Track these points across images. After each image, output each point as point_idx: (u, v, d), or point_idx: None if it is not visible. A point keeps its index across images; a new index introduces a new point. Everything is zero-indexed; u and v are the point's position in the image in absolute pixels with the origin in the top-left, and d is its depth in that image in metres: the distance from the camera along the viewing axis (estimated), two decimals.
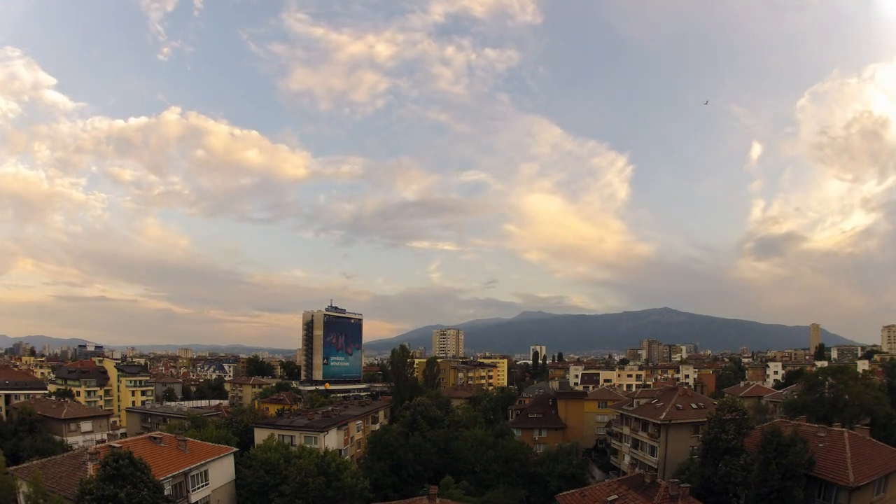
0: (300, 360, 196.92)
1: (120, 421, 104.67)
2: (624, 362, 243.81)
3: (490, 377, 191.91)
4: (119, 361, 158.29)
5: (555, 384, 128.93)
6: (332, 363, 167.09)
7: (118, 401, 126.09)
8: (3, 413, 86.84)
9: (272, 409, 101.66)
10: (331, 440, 62.84)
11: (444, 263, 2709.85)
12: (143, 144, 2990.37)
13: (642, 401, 69.45)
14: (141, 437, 50.51)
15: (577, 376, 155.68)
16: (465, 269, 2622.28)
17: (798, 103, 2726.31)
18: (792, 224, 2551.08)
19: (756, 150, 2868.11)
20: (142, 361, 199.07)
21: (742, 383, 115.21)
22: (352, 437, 70.60)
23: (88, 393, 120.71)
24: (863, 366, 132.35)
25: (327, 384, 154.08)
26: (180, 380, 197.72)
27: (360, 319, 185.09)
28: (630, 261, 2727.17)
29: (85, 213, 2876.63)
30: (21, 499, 37.09)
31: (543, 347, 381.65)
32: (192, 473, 43.34)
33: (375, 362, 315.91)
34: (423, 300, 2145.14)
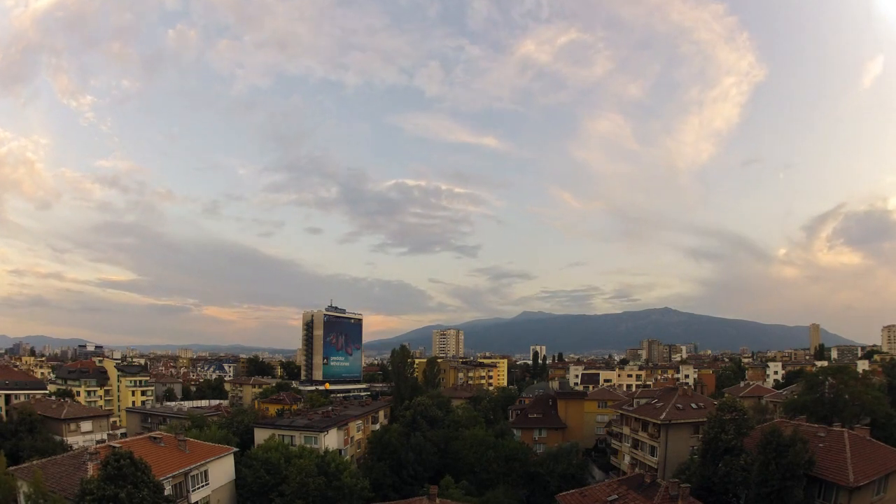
0: (300, 360, 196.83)
1: (120, 421, 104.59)
2: (624, 362, 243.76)
3: (490, 377, 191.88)
4: (119, 361, 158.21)
5: (555, 384, 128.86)
6: (332, 363, 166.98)
7: (118, 401, 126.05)
8: (3, 413, 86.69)
9: (272, 409, 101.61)
10: (331, 440, 62.85)
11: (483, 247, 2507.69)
12: None
13: (642, 401, 69.34)
14: (141, 437, 50.45)
15: (577, 376, 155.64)
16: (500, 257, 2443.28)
17: None
18: None
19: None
20: (142, 361, 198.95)
21: (742, 383, 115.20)
22: (352, 437, 70.59)
23: (88, 393, 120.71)
24: (863, 366, 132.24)
25: (327, 384, 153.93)
26: (180, 380, 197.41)
27: (360, 319, 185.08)
28: (716, 241, 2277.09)
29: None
30: (21, 499, 37.06)
31: (543, 347, 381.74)
32: (193, 473, 43.31)
33: (375, 362, 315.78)
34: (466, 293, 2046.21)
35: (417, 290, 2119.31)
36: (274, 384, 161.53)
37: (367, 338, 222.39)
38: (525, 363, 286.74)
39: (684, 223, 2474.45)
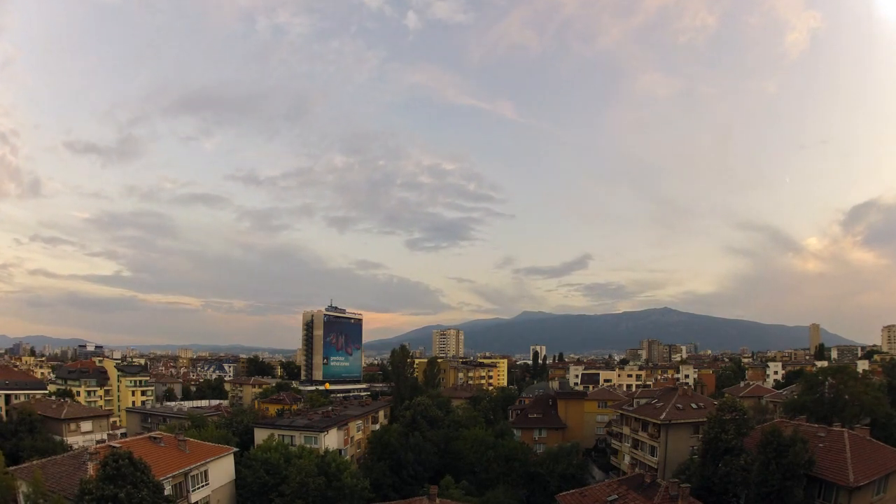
0: (300, 360, 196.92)
1: (120, 421, 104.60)
2: (624, 362, 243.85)
3: (490, 377, 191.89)
4: (119, 361, 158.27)
5: (555, 384, 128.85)
6: (332, 363, 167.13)
7: (118, 401, 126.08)
8: (3, 413, 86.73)
9: (272, 409, 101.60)
10: (331, 440, 62.82)
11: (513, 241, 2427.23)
12: None
13: (642, 401, 69.32)
14: (141, 437, 50.45)
15: (577, 376, 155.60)
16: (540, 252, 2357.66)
17: None
18: None
19: None
20: (142, 361, 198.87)
21: (742, 383, 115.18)
22: (352, 437, 70.56)
23: (88, 393, 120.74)
24: (863, 366, 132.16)
25: (327, 384, 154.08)
26: (180, 380, 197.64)
27: (360, 319, 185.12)
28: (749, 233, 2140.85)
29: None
30: (21, 499, 37.07)
31: (543, 347, 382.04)
32: (192, 473, 43.28)
33: (375, 362, 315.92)
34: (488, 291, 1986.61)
35: (434, 287, 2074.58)
36: (274, 384, 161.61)
37: (367, 337, 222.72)
38: (525, 363, 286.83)
39: (722, 211, 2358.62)
